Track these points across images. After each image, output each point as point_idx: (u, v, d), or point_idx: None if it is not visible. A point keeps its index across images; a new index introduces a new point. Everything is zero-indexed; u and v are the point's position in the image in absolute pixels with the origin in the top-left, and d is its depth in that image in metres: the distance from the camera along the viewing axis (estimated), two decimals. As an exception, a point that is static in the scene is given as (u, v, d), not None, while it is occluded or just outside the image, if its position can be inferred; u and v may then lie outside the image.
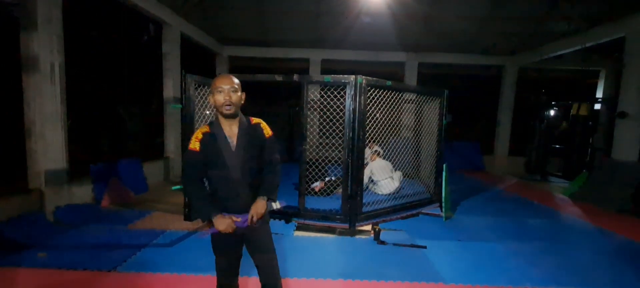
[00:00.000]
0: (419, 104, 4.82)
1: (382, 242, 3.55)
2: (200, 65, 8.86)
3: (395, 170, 5.09)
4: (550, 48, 7.79)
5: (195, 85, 3.76)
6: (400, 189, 4.96)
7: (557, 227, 4.51)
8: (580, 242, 3.92)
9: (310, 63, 9.25)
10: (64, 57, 4.12)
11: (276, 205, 1.86)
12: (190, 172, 1.72)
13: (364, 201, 3.95)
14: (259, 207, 1.74)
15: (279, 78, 3.77)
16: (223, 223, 1.68)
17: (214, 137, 1.70)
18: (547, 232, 4.24)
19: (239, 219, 1.73)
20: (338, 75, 3.70)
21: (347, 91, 3.68)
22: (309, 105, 3.83)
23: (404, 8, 6.72)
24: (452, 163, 8.27)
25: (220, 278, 1.90)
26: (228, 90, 1.66)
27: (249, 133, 1.76)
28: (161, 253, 3.16)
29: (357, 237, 3.73)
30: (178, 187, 3.87)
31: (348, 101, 3.68)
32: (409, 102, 5.09)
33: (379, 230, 3.70)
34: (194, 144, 1.70)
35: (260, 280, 1.89)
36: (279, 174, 1.89)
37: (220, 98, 1.67)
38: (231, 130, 1.73)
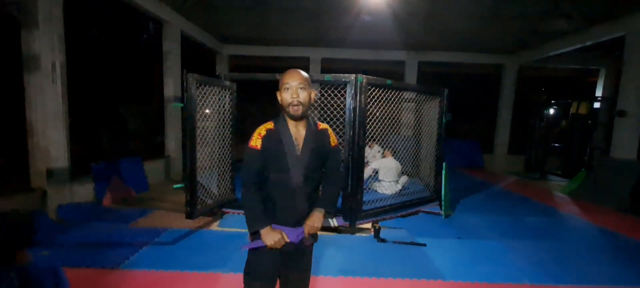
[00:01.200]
0: (419, 102, 4.84)
1: (382, 240, 3.57)
2: (201, 64, 8.87)
3: (402, 174, 5.12)
4: (551, 46, 7.80)
5: (196, 84, 3.77)
6: (401, 190, 5.00)
7: (556, 224, 4.54)
8: (579, 240, 3.95)
9: (310, 61, 9.25)
10: (65, 56, 4.14)
11: (333, 223, 1.66)
12: (248, 172, 1.52)
13: (364, 199, 3.97)
14: (316, 219, 1.55)
15: (279, 77, 3.78)
16: (272, 237, 1.48)
17: (278, 136, 1.52)
18: (546, 230, 4.27)
19: (289, 237, 1.53)
20: (338, 74, 3.72)
21: (348, 90, 3.69)
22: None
23: (404, 6, 6.73)
24: (452, 161, 8.30)
25: None
26: (296, 87, 1.47)
27: (317, 138, 1.58)
28: (163, 251, 3.19)
29: (357, 234, 3.75)
30: (179, 185, 3.89)
31: (348, 100, 3.69)
32: (409, 101, 5.11)
33: (379, 228, 3.72)
34: (256, 141, 1.50)
35: None
36: (340, 188, 1.68)
37: (287, 97, 1.48)
38: (298, 131, 1.55)
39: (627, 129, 5.83)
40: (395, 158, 5.14)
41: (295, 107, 1.48)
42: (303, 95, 1.48)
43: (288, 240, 1.52)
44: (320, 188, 1.67)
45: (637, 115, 5.71)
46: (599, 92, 9.18)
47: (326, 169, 1.65)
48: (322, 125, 1.64)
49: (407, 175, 5.29)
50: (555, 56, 8.04)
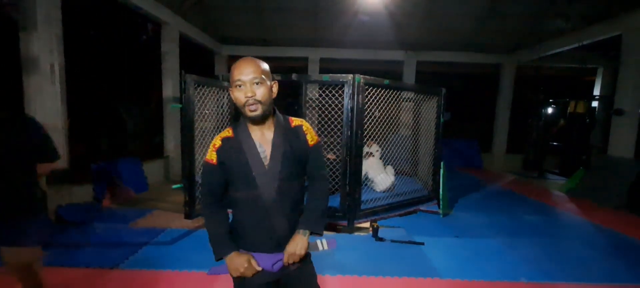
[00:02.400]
0: (417, 102, 4.85)
1: (380, 239, 3.59)
2: (199, 65, 8.89)
3: (386, 165, 5.13)
4: (548, 46, 7.82)
5: (194, 84, 3.79)
6: (395, 184, 5.00)
7: (554, 223, 4.56)
8: (577, 238, 3.97)
9: (309, 62, 9.27)
10: (64, 57, 4.15)
11: (323, 246, 1.43)
12: (206, 192, 1.30)
13: (362, 199, 3.99)
14: (298, 246, 1.28)
15: (277, 77, 3.78)
16: (237, 266, 1.24)
17: (238, 145, 1.24)
18: (544, 229, 4.29)
19: (262, 267, 1.27)
20: (336, 75, 3.74)
21: (345, 90, 3.70)
22: (308, 104, 3.86)
23: (401, 6, 6.75)
24: (450, 160, 8.33)
25: None
26: (250, 82, 1.16)
27: (289, 139, 1.28)
28: (162, 251, 3.20)
29: (356, 234, 3.78)
30: (178, 185, 3.91)
31: (346, 100, 3.71)
32: (407, 101, 5.12)
33: (377, 227, 3.74)
34: (211, 155, 1.25)
35: None
36: (327, 198, 1.41)
37: (240, 96, 1.18)
38: (263, 135, 1.27)
39: (624, 127, 5.86)
40: (382, 158, 5.14)
41: (252, 108, 1.19)
42: (261, 91, 1.18)
43: (259, 269, 1.27)
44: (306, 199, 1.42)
45: (634, 113, 5.74)
46: (596, 91, 9.21)
47: (308, 174, 1.38)
48: (296, 121, 1.35)
49: (405, 173, 5.30)
50: (553, 55, 8.06)
